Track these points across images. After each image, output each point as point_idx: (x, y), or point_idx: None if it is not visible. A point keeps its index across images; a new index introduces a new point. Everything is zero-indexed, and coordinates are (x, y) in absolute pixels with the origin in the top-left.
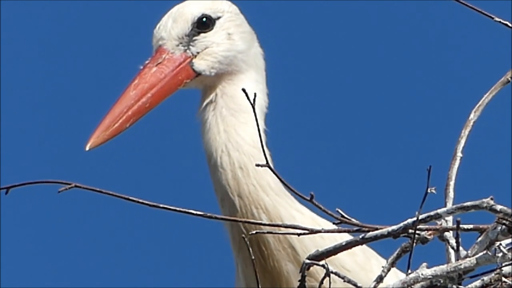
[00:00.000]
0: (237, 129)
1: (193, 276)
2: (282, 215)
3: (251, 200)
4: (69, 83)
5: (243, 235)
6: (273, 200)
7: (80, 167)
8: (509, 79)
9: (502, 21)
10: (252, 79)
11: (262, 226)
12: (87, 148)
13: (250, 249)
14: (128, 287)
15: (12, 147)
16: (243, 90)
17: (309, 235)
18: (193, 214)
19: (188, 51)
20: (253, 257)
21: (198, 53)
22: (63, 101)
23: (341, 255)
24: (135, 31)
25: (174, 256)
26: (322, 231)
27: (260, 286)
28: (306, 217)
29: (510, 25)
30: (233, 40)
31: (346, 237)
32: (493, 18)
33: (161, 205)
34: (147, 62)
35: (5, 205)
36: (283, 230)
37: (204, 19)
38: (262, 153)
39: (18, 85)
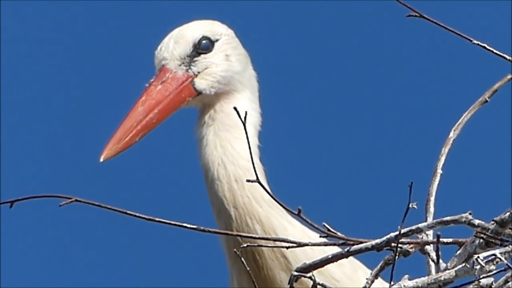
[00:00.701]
0: (233, 144)
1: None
2: (275, 226)
3: (245, 211)
4: (72, 99)
5: (235, 250)
6: (266, 212)
7: (79, 181)
8: (487, 99)
9: (480, 43)
10: (247, 98)
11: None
12: (101, 160)
13: (245, 259)
14: (128, 287)
15: (15, 160)
16: (235, 108)
17: (300, 248)
18: (187, 227)
19: (189, 70)
20: (248, 268)
21: (199, 72)
22: (65, 116)
23: (330, 266)
24: (139, 48)
25: (169, 265)
26: (309, 244)
27: None
28: (296, 228)
29: (487, 47)
30: (230, 61)
31: (334, 250)
32: (471, 40)
33: (157, 219)
34: (152, 80)
35: (6, 216)
36: (274, 242)
37: (204, 41)
38: (258, 168)
39: (22, 100)
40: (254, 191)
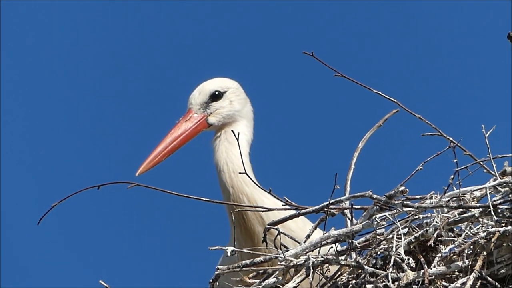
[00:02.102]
0: (233, 151)
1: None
2: (256, 199)
3: (238, 189)
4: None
5: (232, 212)
6: (251, 190)
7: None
8: (381, 124)
9: (377, 92)
10: (243, 125)
11: (245, 206)
12: (136, 174)
13: (237, 216)
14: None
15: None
16: (232, 131)
17: (270, 212)
18: (211, 201)
19: (205, 112)
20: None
21: (211, 113)
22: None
23: (288, 222)
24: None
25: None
26: (276, 209)
27: (236, 239)
28: (270, 200)
29: (381, 94)
30: (233, 104)
31: (289, 213)
32: (371, 90)
33: (189, 196)
34: (180, 118)
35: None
36: (254, 208)
37: (216, 92)
38: (243, 165)
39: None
40: (244, 178)
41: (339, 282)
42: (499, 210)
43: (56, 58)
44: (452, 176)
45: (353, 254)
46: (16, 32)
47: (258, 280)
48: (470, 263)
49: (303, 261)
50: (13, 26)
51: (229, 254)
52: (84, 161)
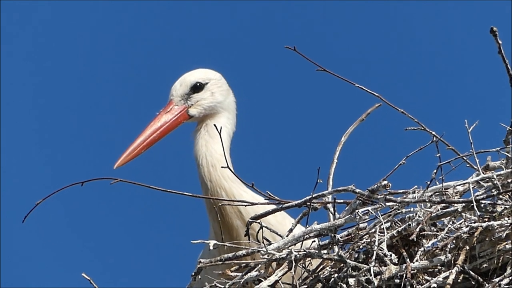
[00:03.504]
0: (212, 145)
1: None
2: (234, 193)
3: (216, 183)
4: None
5: (214, 207)
6: (230, 185)
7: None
8: (364, 118)
9: (359, 86)
10: (225, 117)
11: (223, 201)
12: (115, 167)
13: (215, 210)
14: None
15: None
16: (215, 125)
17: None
18: (188, 195)
19: (186, 103)
20: (219, 219)
21: (192, 104)
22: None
23: (268, 215)
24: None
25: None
26: (258, 203)
27: (215, 233)
28: (248, 194)
29: (364, 88)
30: (214, 96)
31: (271, 207)
32: (354, 84)
33: (171, 190)
34: (161, 110)
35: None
36: (237, 202)
37: (198, 84)
38: (225, 160)
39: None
40: (223, 172)
41: (321, 276)
42: (482, 205)
43: (38, 55)
44: (435, 171)
45: (336, 248)
46: (16, 32)
47: (240, 274)
48: (452, 257)
49: (285, 255)
50: (13, 26)
51: (211, 247)
52: (71, 156)
